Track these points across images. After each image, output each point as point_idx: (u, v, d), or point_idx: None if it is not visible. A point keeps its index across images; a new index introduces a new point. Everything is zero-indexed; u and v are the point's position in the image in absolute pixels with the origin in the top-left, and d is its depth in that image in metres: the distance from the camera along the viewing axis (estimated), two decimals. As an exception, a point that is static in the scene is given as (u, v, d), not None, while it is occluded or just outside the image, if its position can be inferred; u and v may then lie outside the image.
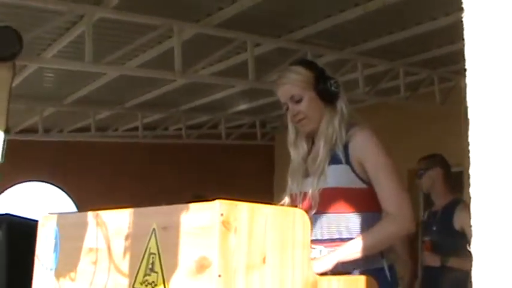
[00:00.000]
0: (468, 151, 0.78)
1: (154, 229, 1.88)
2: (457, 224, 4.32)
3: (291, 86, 2.53)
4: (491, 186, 0.74)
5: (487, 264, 0.74)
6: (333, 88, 2.50)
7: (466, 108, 0.85)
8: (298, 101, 2.52)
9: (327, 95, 2.51)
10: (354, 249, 2.28)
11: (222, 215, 1.66)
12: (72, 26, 5.36)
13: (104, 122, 9.11)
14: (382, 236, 2.34)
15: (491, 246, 0.74)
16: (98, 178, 9.82)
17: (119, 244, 2.06)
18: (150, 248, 1.88)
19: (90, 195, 9.34)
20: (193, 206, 1.78)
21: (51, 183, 10.10)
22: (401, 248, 4.68)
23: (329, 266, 2.18)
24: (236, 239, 1.68)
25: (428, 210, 4.82)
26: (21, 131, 8.91)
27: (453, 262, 4.27)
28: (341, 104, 2.52)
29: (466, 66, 0.75)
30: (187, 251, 1.75)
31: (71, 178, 9.94)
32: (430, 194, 4.72)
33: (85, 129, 9.11)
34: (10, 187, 9.69)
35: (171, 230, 1.82)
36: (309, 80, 2.52)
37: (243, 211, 1.72)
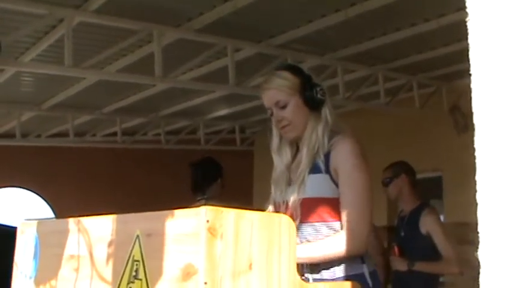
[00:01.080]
0: (474, 157, 0.77)
1: (138, 236, 1.85)
2: (423, 228, 4.42)
3: (277, 91, 2.49)
4: (498, 191, 0.74)
5: (494, 272, 0.73)
6: (318, 95, 2.47)
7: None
8: (283, 107, 2.48)
9: (312, 102, 2.47)
10: (304, 253, 2.25)
11: (207, 221, 1.63)
12: (52, 29, 5.31)
13: (82, 127, 9.04)
14: (330, 250, 2.29)
15: (499, 254, 0.73)
16: (76, 184, 9.74)
17: (102, 251, 2.03)
18: (133, 255, 1.85)
19: (68, 201, 9.27)
20: (179, 212, 1.76)
21: (29, 189, 9.99)
22: (372, 249, 4.73)
23: None
24: (222, 246, 1.66)
25: (397, 216, 4.89)
26: (-2, 136, 8.83)
27: (420, 266, 4.37)
28: (326, 111, 2.49)
29: (471, 71, 0.74)
30: (173, 258, 1.72)
31: (48, 184, 9.84)
32: (397, 201, 4.81)
33: (63, 135, 9.03)
34: (-14, 193, 9.59)
35: (156, 237, 1.79)
36: (295, 86, 2.48)
37: (228, 217, 1.70)
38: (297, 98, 2.48)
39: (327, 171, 2.38)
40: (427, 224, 4.40)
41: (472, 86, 0.73)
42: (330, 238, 2.32)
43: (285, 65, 2.66)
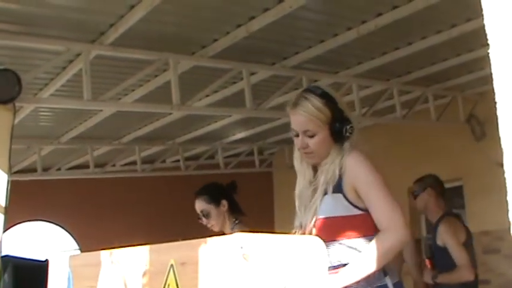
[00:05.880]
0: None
1: (172, 265, 1.88)
2: (439, 239, 4.48)
3: (308, 120, 2.46)
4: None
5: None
6: (347, 134, 2.46)
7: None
8: (311, 136, 2.48)
9: (339, 137, 2.47)
10: (357, 270, 2.26)
11: (241, 247, 1.67)
12: (69, 64, 5.39)
13: (102, 158, 9.11)
14: (380, 252, 2.27)
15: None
16: (98, 214, 9.77)
17: (136, 281, 2.06)
18: (169, 284, 1.88)
19: (92, 232, 9.31)
20: (212, 240, 1.79)
21: (51, 222, 10.05)
22: (409, 255, 4.78)
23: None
24: (257, 271, 1.69)
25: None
26: (20, 171, 8.89)
27: (441, 278, 4.42)
28: (347, 145, 2.47)
29: (494, 82, 0.76)
30: (208, 284, 1.75)
31: (71, 216, 9.88)
32: (425, 213, 4.87)
33: (83, 166, 9.10)
34: (10, 228, 9.64)
35: (190, 265, 1.82)
36: (327, 120, 2.46)
37: (261, 242, 1.73)
38: (326, 131, 2.46)
39: (340, 190, 2.39)
40: (441, 236, 4.46)
41: (496, 95, 0.75)
42: (376, 241, 2.29)
43: (321, 91, 2.54)
